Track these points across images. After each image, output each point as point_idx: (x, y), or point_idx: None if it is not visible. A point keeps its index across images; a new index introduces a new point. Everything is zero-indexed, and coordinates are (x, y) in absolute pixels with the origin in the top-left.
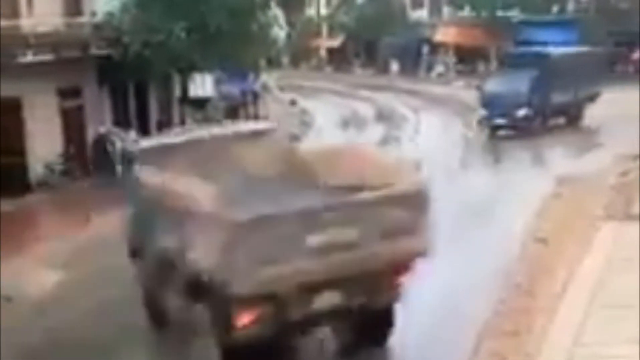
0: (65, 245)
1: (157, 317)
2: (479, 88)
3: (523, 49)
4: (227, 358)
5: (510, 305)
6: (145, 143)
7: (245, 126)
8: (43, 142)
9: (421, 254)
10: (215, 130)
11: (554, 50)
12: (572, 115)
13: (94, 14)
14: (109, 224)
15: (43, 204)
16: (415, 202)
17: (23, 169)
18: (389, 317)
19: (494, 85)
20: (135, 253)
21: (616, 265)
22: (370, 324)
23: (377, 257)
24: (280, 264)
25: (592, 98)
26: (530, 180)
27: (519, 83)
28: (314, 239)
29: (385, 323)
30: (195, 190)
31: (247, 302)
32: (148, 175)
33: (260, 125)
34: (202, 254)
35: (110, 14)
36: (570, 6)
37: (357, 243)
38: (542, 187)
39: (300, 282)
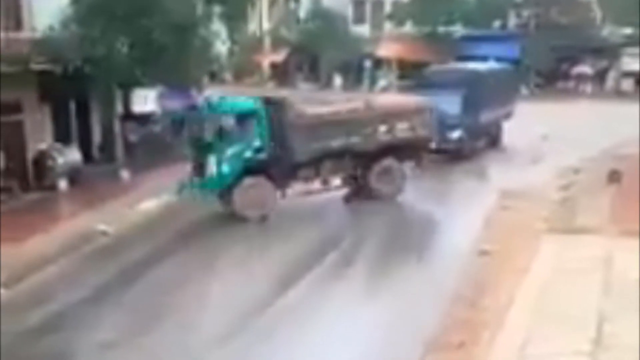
0: None
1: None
2: None
3: (450, 66)
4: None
5: (457, 317)
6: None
7: None
8: None
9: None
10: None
11: (481, 67)
12: (493, 135)
13: (34, 29)
14: (44, 243)
15: None
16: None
17: None
18: None
19: None
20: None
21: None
22: None
23: None
24: None
25: (507, 116)
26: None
27: (450, 103)
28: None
29: None
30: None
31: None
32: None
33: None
34: (413, 127)
35: (51, 29)
36: (512, 21)
37: None
38: (489, 204)
39: None
